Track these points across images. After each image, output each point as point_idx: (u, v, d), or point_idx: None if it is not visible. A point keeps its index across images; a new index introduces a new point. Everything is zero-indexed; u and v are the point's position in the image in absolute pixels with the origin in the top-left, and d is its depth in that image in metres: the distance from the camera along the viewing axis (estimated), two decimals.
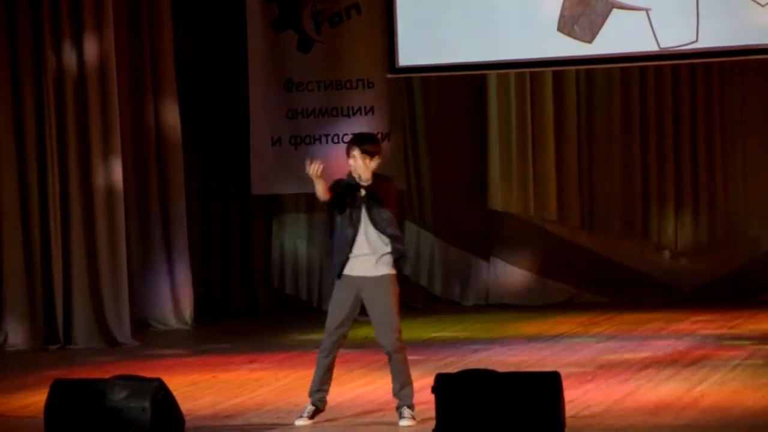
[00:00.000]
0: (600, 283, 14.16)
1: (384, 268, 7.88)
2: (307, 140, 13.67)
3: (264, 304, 14.35)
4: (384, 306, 7.87)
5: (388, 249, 7.88)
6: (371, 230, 7.87)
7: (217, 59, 14.11)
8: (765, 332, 11.53)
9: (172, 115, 13.14)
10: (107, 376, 7.28)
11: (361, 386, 9.49)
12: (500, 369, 7.42)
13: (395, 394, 7.99)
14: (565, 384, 7.13)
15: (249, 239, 14.41)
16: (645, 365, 9.93)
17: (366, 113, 13.55)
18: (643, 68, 13.77)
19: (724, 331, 11.73)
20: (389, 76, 13.03)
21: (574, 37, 12.22)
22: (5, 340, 12.00)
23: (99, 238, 12.17)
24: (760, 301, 13.56)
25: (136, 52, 12.91)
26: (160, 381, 7.23)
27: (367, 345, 11.48)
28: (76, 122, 12.11)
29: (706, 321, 12.31)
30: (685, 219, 14.09)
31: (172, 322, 13.15)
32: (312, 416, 8.07)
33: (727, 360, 10.04)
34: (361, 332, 12.37)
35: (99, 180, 12.19)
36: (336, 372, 10.19)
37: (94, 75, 12.12)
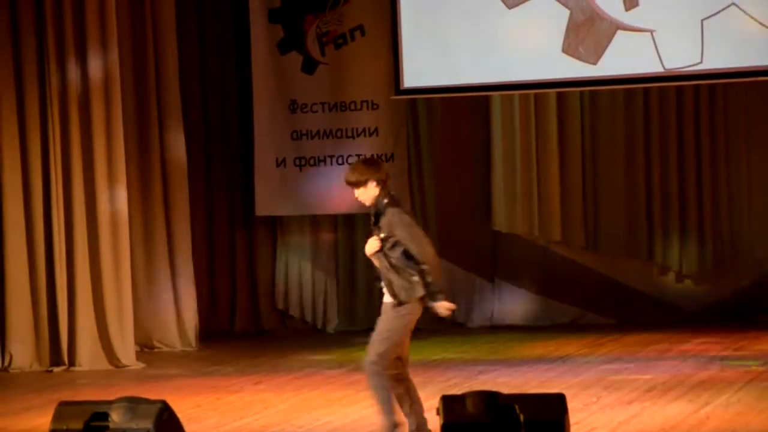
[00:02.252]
0: (605, 304, 14.15)
1: (388, 296, 7.93)
2: (312, 162, 13.69)
3: (268, 325, 14.35)
4: (377, 329, 7.91)
5: (395, 278, 7.88)
6: (382, 259, 7.92)
7: (223, 80, 14.14)
8: None
9: (176, 136, 13.16)
10: (111, 397, 7.26)
11: (366, 408, 9.48)
12: (505, 390, 7.41)
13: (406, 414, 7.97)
14: (570, 405, 7.12)
15: (253, 261, 14.41)
16: (650, 387, 9.92)
17: (370, 135, 13.57)
18: (648, 89, 13.78)
19: (729, 352, 11.71)
20: (393, 97, 13.05)
21: (579, 59, 12.24)
22: (10, 362, 12.00)
23: (103, 259, 12.18)
24: (765, 322, 13.54)
25: (141, 72, 12.94)
26: (164, 403, 7.21)
27: None
28: (81, 142, 12.13)
29: (711, 342, 12.30)
30: (689, 240, 14.08)
31: (177, 344, 13.15)
32: None
33: (732, 382, 10.03)
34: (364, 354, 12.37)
35: (103, 201, 12.20)
36: (341, 393, 10.20)
37: (98, 93, 12.14)
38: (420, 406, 7.96)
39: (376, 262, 7.98)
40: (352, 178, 7.92)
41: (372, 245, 7.91)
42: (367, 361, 7.92)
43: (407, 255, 7.86)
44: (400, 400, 8.00)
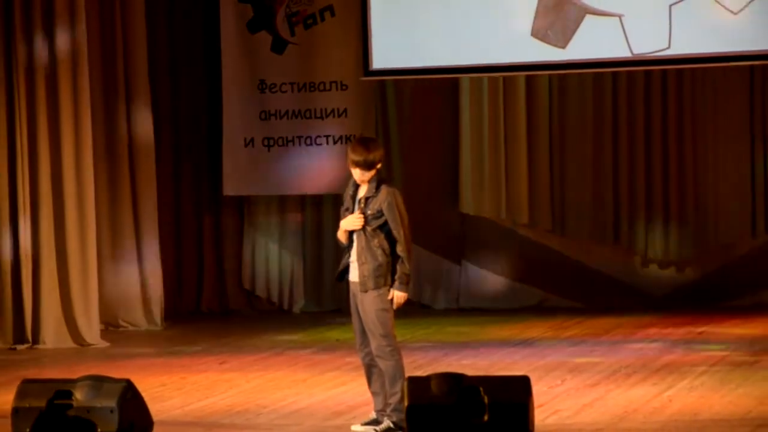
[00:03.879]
0: (571, 287, 14.19)
1: (355, 275, 7.90)
2: (280, 142, 13.66)
3: (235, 305, 14.33)
4: (367, 322, 7.90)
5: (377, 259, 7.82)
6: (361, 238, 7.83)
7: (191, 59, 14.08)
8: (734, 338, 11.58)
9: (144, 113, 13.09)
10: (75, 376, 7.24)
11: (332, 388, 9.49)
12: (470, 372, 7.43)
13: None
14: (534, 388, 7.15)
15: (220, 240, 14.38)
16: (614, 370, 9.96)
17: (339, 115, 13.55)
18: (616, 74, 13.81)
19: (693, 336, 11.78)
20: (363, 78, 13.03)
21: (548, 43, 12.25)
22: None
23: (69, 237, 12.12)
24: (729, 307, 13.62)
25: (109, 48, 12.85)
26: (128, 382, 7.20)
27: (338, 347, 11.48)
28: (47, 117, 12.05)
29: (675, 326, 12.36)
30: (655, 225, 14.13)
31: (142, 323, 13.11)
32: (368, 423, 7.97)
33: (696, 365, 10.09)
34: (333, 334, 12.38)
35: (69, 178, 12.13)
36: (306, 374, 10.21)
37: (66, 67, 12.05)
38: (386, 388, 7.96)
39: (343, 239, 7.90)
40: (371, 157, 7.74)
41: (354, 221, 7.82)
42: (375, 347, 7.79)
43: (388, 238, 7.81)
44: (368, 377, 8.00)
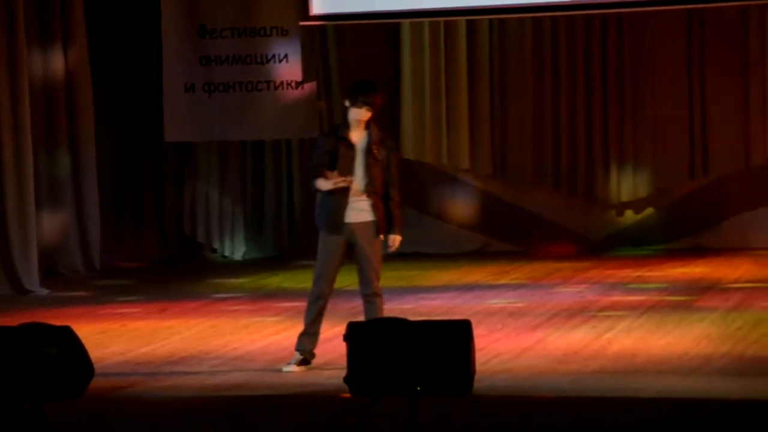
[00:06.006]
0: (511, 232, 14.27)
1: (369, 214, 8.06)
2: (221, 87, 13.56)
3: (175, 251, 14.28)
4: (369, 256, 8.14)
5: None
6: (375, 178, 8.00)
7: (129, 3, 13.93)
8: (671, 280, 11.71)
9: (82, 60, 12.96)
10: (15, 323, 7.20)
11: (273, 334, 9.51)
12: (411, 317, 7.46)
13: None
14: (475, 332, 7.19)
15: (161, 186, 14.30)
16: (554, 313, 10.05)
17: (280, 61, 13.46)
18: (555, 19, 13.83)
19: (631, 279, 11.89)
20: (303, 23, 12.96)
21: None
22: None
23: (6, 184, 12.00)
24: (667, 250, 13.77)
25: None
26: (68, 329, 7.17)
27: (279, 294, 11.50)
28: None
29: (614, 269, 12.47)
30: (596, 169, 14.21)
31: (82, 270, 13.04)
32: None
33: (634, 308, 10.19)
34: (274, 281, 12.39)
35: (5, 122, 11.99)
36: (248, 320, 10.22)
37: (1, 14, 11.89)
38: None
39: (328, 186, 7.85)
40: (378, 98, 7.96)
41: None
42: (376, 287, 8.04)
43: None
44: (317, 318, 8.04)
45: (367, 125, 8.00)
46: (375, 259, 8.04)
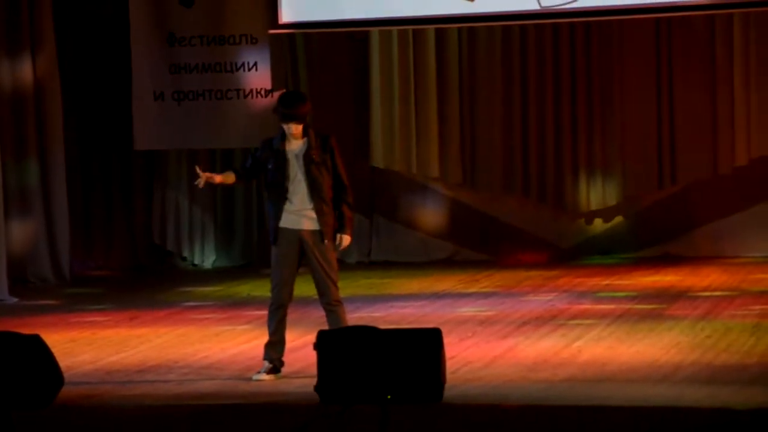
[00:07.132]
0: (481, 241, 14.31)
1: (313, 223, 8.08)
2: (191, 96, 13.55)
3: (145, 260, 14.24)
4: (323, 265, 8.11)
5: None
6: (316, 182, 8.03)
7: (99, 11, 13.90)
8: (640, 289, 11.75)
9: (50, 67, 12.92)
10: None
11: (243, 343, 9.49)
12: (382, 326, 7.47)
13: None
14: (445, 340, 7.21)
15: (130, 195, 14.27)
16: (524, 322, 10.07)
17: (249, 69, 13.46)
18: (524, 27, 13.88)
19: (601, 287, 11.93)
20: (272, 31, 12.96)
21: None
22: None
23: None
24: (636, 258, 13.82)
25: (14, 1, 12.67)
26: (37, 337, 7.15)
27: (249, 302, 11.48)
28: None
29: (583, 278, 12.51)
30: (565, 177, 14.26)
31: (51, 278, 12.99)
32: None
33: (604, 316, 10.23)
34: (244, 289, 12.37)
35: None
36: (218, 328, 10.20)
37: None
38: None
39: (197, 182, 8.06)
40: (306, 109, 7.99)
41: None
42: (333, 294, 8.02)
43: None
44: (279, 327, 8.05)
45: (305, 132, 8.03)
46: (328, 267, 8.02)
